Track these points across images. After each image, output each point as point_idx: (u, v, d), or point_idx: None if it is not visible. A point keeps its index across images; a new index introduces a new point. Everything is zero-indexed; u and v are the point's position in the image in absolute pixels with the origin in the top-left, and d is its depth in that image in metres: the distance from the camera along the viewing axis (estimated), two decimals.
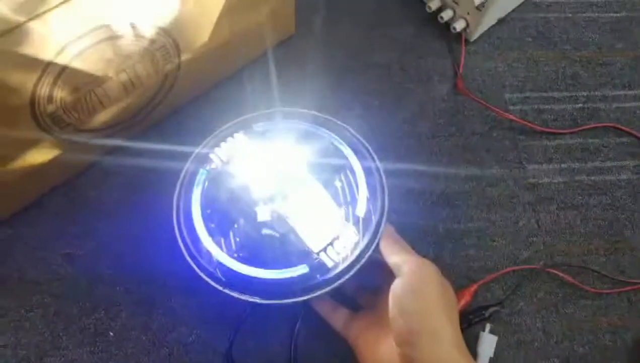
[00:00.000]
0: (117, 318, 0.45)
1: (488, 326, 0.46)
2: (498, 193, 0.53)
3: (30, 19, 0.32)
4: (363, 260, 0.39)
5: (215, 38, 0.47)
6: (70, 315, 0.44)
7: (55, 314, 0.44)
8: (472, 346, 0.45)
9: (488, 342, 0.46)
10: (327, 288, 0.39)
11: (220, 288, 0.39)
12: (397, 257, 0.38)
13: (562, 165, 0.55)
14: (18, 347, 0.43)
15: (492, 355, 0.46)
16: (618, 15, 0.64)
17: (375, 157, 0.44)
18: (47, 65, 0.36)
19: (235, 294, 0.39)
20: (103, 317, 0.45)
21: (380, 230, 0.40)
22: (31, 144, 0.41)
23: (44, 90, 0.38)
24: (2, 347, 0.43)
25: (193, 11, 0.43)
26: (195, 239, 0.41)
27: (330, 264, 0.39)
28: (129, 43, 0.40)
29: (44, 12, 0.33)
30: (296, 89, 0.53)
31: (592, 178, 0.54)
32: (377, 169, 0.44)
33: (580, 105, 0.58)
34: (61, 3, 0.33)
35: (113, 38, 0.39)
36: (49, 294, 0.45)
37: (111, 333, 0.44)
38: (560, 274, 0.49)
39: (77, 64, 0.38)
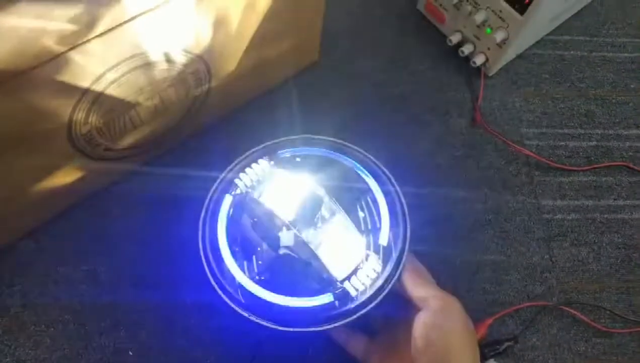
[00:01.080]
0: (137, 338, 0.45)
1: (493, 357, 0.47)
2: (513, 227, 0.53)
3: (71, 49, 0.33)
4: (386, 290, 0.40)
5: (243, 65, 0.48)
6: (91, 332, 0.45)
7: (75, 331, 0.45)
8: None
9: None
10: (351, 318, 0.39)
11: (245, 314, 0.40)
12: (423, 290, 0.38)
13: (576, 202, 0.56)
14: (38, 362, 0.44)
15: None
16: (633, 55, 0.66)
17: (396, 184, 0.45)
18: (85, 92, 0.37)
19: (257, 319, 0.40)
20: (123, 335, 0.45)
21: (403, 259, 0.41)
22: (63, 162, 0.42)
23: (80, 114, 0.39)
24: (23, 362, 0.44)
25: (225, 40, 0.44)
26: (219, 262, 0.42)
27: (353, 293, 0.40)
28: (163, 69, 0.41)
29: (84, 43, 0.34)
30: (318, 117, 0.54)
31: (605, 216, 0.55)
32: (398, 196, 0.45)
33: (594, 143, 0.59)
34: (100, 34, 0.34)
35: (147, 65, 0.40)
36: (69, 310, 0.46)
37: (130, 353, 0.45)
38: (573, 312, 0.50)
39: (112, 91, 0.39)
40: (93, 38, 0.33)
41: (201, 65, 0.44)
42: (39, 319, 0.45)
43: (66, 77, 0.34)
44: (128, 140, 0.46)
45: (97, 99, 0.38)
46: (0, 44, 0.28)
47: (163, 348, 0.45)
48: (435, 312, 0.36)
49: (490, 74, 0.61)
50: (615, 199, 0.56)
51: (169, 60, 0.41)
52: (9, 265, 0.47)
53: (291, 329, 0.39)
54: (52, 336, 0.45)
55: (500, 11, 0.54)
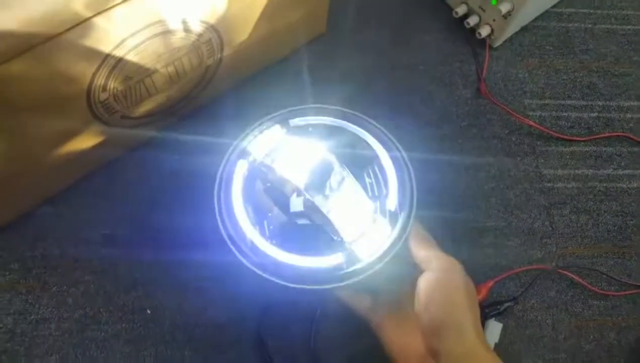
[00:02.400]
0: (155, 297, 0.47)
1: (494, 317, 0.49)
2: (515, 195, 0.55)
3: (96, 15, 0.35)
4: (393, 252, 0.42)
5: (254, 35, 0.49)
6: (110, 292, 0.47)
7: (95, 291, 0.47)
8: None
9: (494, 329, 0.49)
10: (359, 277, 0.41)
11: (258, 270, 0.42)
12: (425, 252, 0.40)
13: (576, 171, 0.57)
14: (60, 320, 0.46)
15: (497, 341, 0.48)
16: (636, 28, 0.67)
17: (402, 150, 0.47)
18: (106, 57, 0.38)
19: (270, 277, 0.42)
20: (141, 295, 0.47)
21: (410, 223, 0.43)
22: (82, 129, 0.44)
23: (100, 80, 0.40)
24: (46, 320, 0.46)
25: (239, 9, 0.45)
26: (234, 223, 0.43)
27: (362, 255, 0.42)
28: (179, 37, 0.43)
29: (109, 9, 0.35)
30: (327, 87, 0.55)
31: (604, 185, 0.57)
32: (405, 162, 0.46)
33: (595, 114, 0.61)
34: (124, 0, 0.35)
35: (166, 33, 0.41)
36: (89, 271, 0.48)
37: (148, 311, 0.47)
38: (571, 275, 0.52)
39: (131, 57, 0.40)
40: (117, 4, 0.34)
41: (214, 34, 0.45)
42: (60, 280, 0.47)
43: (90, 42, 0.35)
44: (144, 108, 0.47)
45: (117, 65, 0.39)
46: (33, 8, 0.29)
47: (178, 307, 0.47)
48: (437, 272, 0.38)
49: (495, 46, 0.62)
50: (614, 169, 0.58)
51: (185, 29, 0.42)
52: (29, 230, 0.49)
53: (302, 286, 0.41)
54: (73, 295, 0.47)
55: None
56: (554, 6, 0.66)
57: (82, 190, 0.50)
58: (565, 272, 0.52)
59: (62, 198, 0.50)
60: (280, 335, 0.47)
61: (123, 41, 0.38)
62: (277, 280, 0.42)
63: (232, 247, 0.43)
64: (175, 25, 0.41)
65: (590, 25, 0.66)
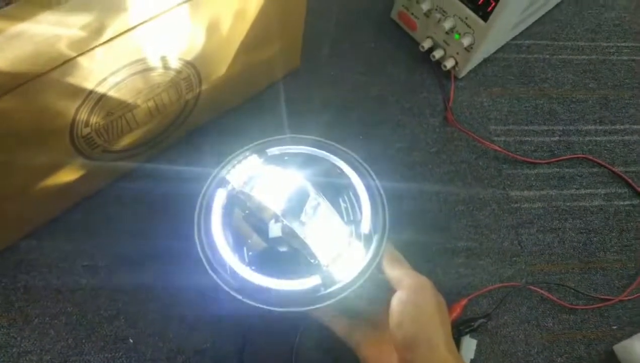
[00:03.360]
0: (137, 326, 0.48)
1: (468, 333, 0.51)
2: (484, 216, 0.58)
3: (80, 54, 0.37)
4: (368, 273, 0.44)
5: (231, 70, 0.52)
6: (92, 323, 0.48)
7: (77, 322, 0.48)
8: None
9: (469, 345, 0.50)
10: (336, 298, 0.43)
11: (238, 296, 0.43)
12: (397, 271, 0.42)
13: (541, 192, 0.61)
14: (43, 352, 0.46)
15: (472, 357, 0.50)
16: (590, 57, 0.71)
17: (375, 177, 0.49)
18: (89, 94, 0.40)
19: (250, 302, 0.43)
20: (123, 324, 0.48)
21: (383, 245, 0.45)
22: (64, 162, 0.45)
23: (82, 115, 0.42)
24: (28, 353, 0.46)
25: (215, 46, 0.47)
26: (214, 251, 0.45)
27: (338, 277, 0.44)
28: (159, 74, 0.45)
29: (92, 49, 0.37)
30: (302, 117, 0.58)
31: (568, 204, 0.60)
32: (378, 189, 0.49)
33: (557, 138, 0.65)
34: (106, 41, 0.38)
35: (146, 70, 0.43)
36: (71, 303, 0.48)
37: (131, 340, 0.47)
38: (540, 291, 0.54)
39: (113, 93, 0.42)
40: (100, 45, 0.36)
41: (192, 71, 0.48)
42: (42, 312, 0.48)
43: (74, 80, 0.37)
44: (125, 142, 0.49)
45: (99, 101, 0.41)
46: (20, 49, 0.31)
47: (161, 335, 0.48)
48: (408, 290, 0.40)
49: (460, 77, 0.66)
50: (577, 189, 0.61)
51: (164, 66, 0.44)
52: (12, 263, 0.49)
53: (282, 309, 0.43)
54: (55, 327, 0.47)
55: (466, 18, 0.59)
56: (514, 39, 0.71)
57: (63, 222, 0.51)
58: (535, 289, 0.54)
59: (44, 231, 0.51)
60: (262, 358, 0.48)
61: (105, 79, 0.40)
62: (257, 304, 0.43)
63: (211, 273, 0.44)
64: (155, 63, 0.43)
65: (548, 56, 0.70)
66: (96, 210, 0.53)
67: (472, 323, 0.51)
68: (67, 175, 0.47)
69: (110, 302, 0.49)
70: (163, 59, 0.43)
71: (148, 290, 0.49)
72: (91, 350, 0.47)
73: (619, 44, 0.73)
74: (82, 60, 0.37)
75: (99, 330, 0.48)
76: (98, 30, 0.35)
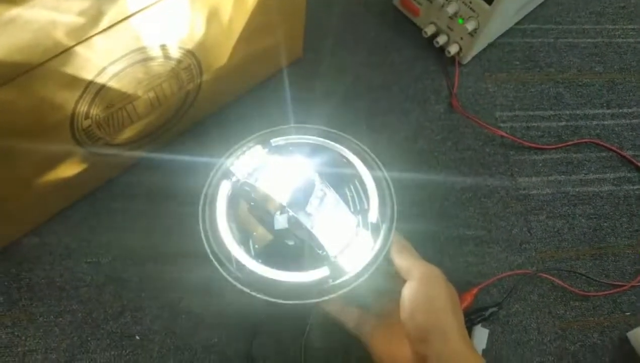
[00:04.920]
0: (143, 323, 0.47)
1: (480, 322, 0.50)
2: (492, 203, 0.57)
3: (77, 44, 0.36)
4: (376, 264, 0.43)
5: (232, 60, 0.51)
6: (97, 320, 0.47)
7: (82, 319, 0.47)
8: None
9: (481, 335, 0.50)
10: (345, 290, 0.42)
11: (246, 289, 0.42)
12: (407, 261, 0.41)
13: (550, 178, 0.60)
14: (48, 351, 0.45)
15: (484, 347, 0.49)
16: (595, 40, 0.70)
17: (383, 167, 0.48)
18: (88, 85, 0.39)
19: (258, 295, 0.42)
20: (129, 321, 0.47)
21: (391, 235, 0.44)
22: (65, 156, 0.44)
23: (82, 107, 0.41)
24: (33, 352, 0.45)
25: (216, 35, 0.46)
26: (220, 244, 0.44)
27: (346, 267, 0.43)
28: (159, 64, 0.44)
29: (89, 38, 0.36)
30: (306, 107, 0.57)
31: (577, 189, 0.59)
32: (385, 178, 0.48)
33: (563, 122, 0.64)
34: (105, 29, 0.37)
35: (145, 60, 0.42)
36: (76, 300, 0.47)
37: (137, 337, 0.46)
38: (551, 278, 0.53)
39: (113, 84, 0.41)
40: (98, 33, 0.35)
41: (193, 60, 0.46)
42: (46, 310, 0.47)
43: (72, 70, 0.36)
44: (126, 135, 0.48)
45: (99, 93, 0.40)
46: (16, 37, 0.30)
47: (168, 331, 0.47)
48: (419, 280, 0.39)
49: (464, 62, 0.65)
50: (585, 174, 0.60)
51: (164, 56, 0.43)
52: (15, 260, 0.48)
53: (290, 302, 0.42)
54: (60, 325, 0.46)
55: (470, 2, 0.58)
56: (518, 23, 0.69)
57: (66, 218, 0.51)
58: (545, 276, 0.53)
59: (46, 227, 0.50)
60: (271, 353, 0.47)
61: (104, 69, 0.39)
62: (265, 297, 0.43)
63: (218, 266, 0.43)
64: (155, 52, 0.42)
65: (552, 40, 0.69)
66: (99, 205, 0.52)
67: (484, 313, 0.50)
68: (69, 169, 0.46)
69: (115, 298, 0.48)
70: (163, 47, 0.42)
71: (153, 286, 0.48)
72: (97, 348, 0.46)
73: (624, 27, 0.72)
74: (81, 50, 0.36)
75: (104, 327, 0.47)
76: (96, 18, 0.34)
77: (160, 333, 0.47)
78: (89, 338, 0.46)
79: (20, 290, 0.47)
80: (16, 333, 0.46)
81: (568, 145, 0.62)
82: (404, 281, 0.40)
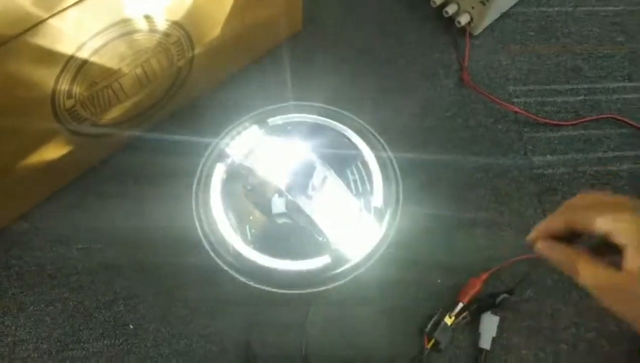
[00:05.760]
0: (136, 311, 0.45)
1: (489, 310, 0.47)
2: (505, 184, 0.54)
3: (51, 16, 0.33)
4: (381, 250, 0.40)
5: (226, 32, 0.48)
6: (90, 309, 0.45)
7: (74, 308, 0.45)
8: (477, 329, 0.47)
9: (490, 323, 0.47)
10: (347, 278, 0.40)
11: (242, 278, 0.40)
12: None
13: (566, 156, 0.56)
14: (39, 341, 0.44)
15: (494, 335, 0.47)
16: (617, 9, 0.66)
17: (387, 147, 0.45)
18: (68, 60, 0.37)
19: (256, 284, 0.40)
20: (122, 309, 0.45)
21: (397, 220, 0.41)
22: (49, 138, 0.42)
23: (64, 85, 0.38)
24: (24, 342, 0.44)
25: (205, 5, 0.43)
26: (215, 230, 0.42)
27: (349, 255, 0.40)
28: (144, 38, 0.41)
29: (63, 9, 0.33)
30: (306, 84, 0.54)
31: (595, 168, 0.56)
32: (390, 159, 0.45)
33: (581, 97, 0.60)
34: (79, 0, 0.34)
35: (129, 33, 0.39)
36: (67, 288, 0.46)
37: (131, 326, 0.45)
38: None
39: (96, 59, 0.38)
40: (72, 5, 0.32)
41: (182, 33, 0.43)
42: (37, 299, 0.45)
43: (47, 45, 0.33)
44: (113, 114, 0.45)
45: (80, 69, 0.38)
46: None
47: (162, 319, 0.45)
48: None
49: (475, 33, 0.61)
50: (604, 152, 0.57)
51: (149, 28, 0.40)
52: (3, 246, 0.47)
53: (288, 291, 0.40)
54: (51, 314, 0.45)
55: None
56: None
57: (57, 202, 0.49)
58: None
59: (36, 212, 0.48)
60: (270, 344, 0.45)
61: (84, 44, 0.36)
62: (263, 287, 0.41)
63: (213, 255, 0.41)
64: (138, 25, 0.39)
65: (570, 9, 0.65)
66: (90, 189, 0.49)
67: (494, 299, 0.47)
68: (54, 151, 0.44)
69: (107, 286, 0.46)
70: (147, 19, 0.39)
71: (147, 273, 0.46)
72: (90, 338, 0.44)
73: None
74: (55, 22, 0.33)
75: (97, 316, 0.45)
76: None
77: (154, 321, 0.45)
78: (81, 328, 0.44)
79: (10, 278, 0.46)
80: (6, 323, 0.44)
81: (586, 121, 0.58)
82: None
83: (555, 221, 0.35)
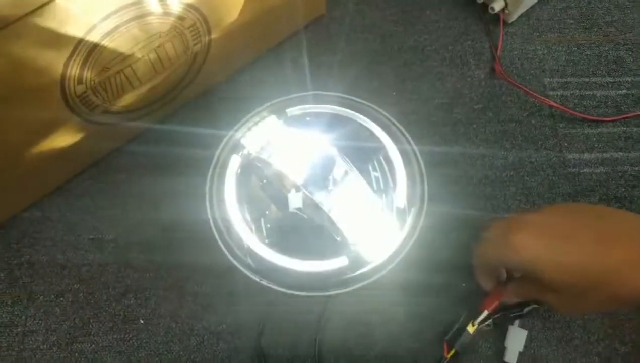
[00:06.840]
0: (147, 305, 0.44)
1: (517, 321, 0.45)
2: (537, 183, 0.51)
3: None
4: (403, 253, 0.38)
5: (244, 16, 0.45)
6: (100, 301, 0.44)
7: (84, 300, 0.44)
8: (501, 340, 0.44)
9: (517, 337, 0.44)
10: (365, 282, 0.37)
11: (255, 277, 0.38)
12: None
13: (604, 155, 0.53)
14: (48, 332, 0.43)
15: (521, 350, 0.44)
16: None
17: (412, 141, 0.43)
18: (78, 43, 0.35)
19: (267, 283, 0.38)
20: (133, 303, 0.44)
21: (421, 220, 0.39)
22: (60, 125, 0.41)
23: (74, 70, 0.36)
24: (33, 333, 0.43)
25: None
26: (228, 226, 0.40)
27: (368, 257, 0.38)
28: (158, 21, 0.39)
29: None
30: (327, 72, 0.52)
31: (636, 168, 0.52)
32: (415, 153, 0.43)
33: (624, 91, 0.56)
34: None
35: (142, 16, 0.37)
36: (78, 279, 0.45)
37: (141, 321, 0.44)
38: None
39: (106, 43, 0.37)
40: None
41: (198, 16, 0.41)
42: (47, 289, 0.44)
43: (55, 27, 0.32)
44: (126, 101, 0.43)
45: (91, 54, 0.36)
46: None
47: (173, 315, 0.44)
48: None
49: (510, 21, 0.57)
50: None
51: (164, 11, 0.38)
52: (15, 236, 0.46)
53: (302, 293, 0.38)
54: (61, 305, 0.44)
55: None
56: None
57: (69, 191, 0.48)
58: None
59: (48, 201, 0.47)
60: (282, 343, 0.44)
61: (94, 26, 0.35)
62: (276, 288, 0.39)
63: (227, 253, 0.39)
64: (152, 7, 0.37)
65: None
66: (103, 178, 0.48)
67: (522, 309, 0.44)
68: (65, 139, 0.42)
69: (118, 278, 0.45)
70: (161, 1, 0.37)
71: (159, 266, 0.45)
72: (99, 331, 0.43)
73: None
74: (62, 2, 0.31)
75: (107, 309, 0.44)
76: None
77: (165, 316, 0.44)
78: (91, 320, 0.43)
79: (21, 267, 0.45)
80: (16, 313, 0.44)
81: (628, 118, 0.54)
82: None
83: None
